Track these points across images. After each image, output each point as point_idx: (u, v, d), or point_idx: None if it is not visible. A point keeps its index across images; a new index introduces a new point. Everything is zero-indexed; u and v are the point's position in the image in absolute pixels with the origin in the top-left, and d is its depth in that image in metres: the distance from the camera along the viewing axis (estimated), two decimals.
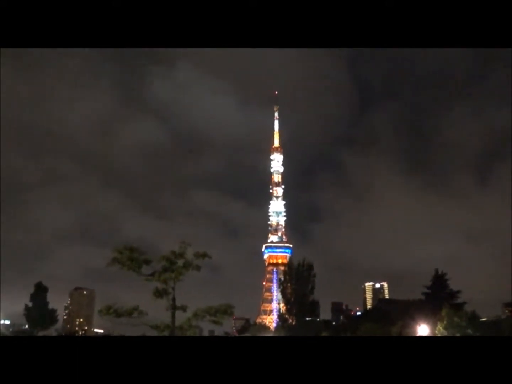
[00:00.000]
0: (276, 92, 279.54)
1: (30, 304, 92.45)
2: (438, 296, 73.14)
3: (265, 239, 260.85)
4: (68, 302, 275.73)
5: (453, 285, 78.83)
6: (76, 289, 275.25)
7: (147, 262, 24.76)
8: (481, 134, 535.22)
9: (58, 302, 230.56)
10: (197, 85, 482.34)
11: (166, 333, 24.42)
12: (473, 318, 56.18)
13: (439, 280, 78.79)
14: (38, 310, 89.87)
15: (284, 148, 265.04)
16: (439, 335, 52.80)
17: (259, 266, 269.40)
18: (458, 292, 77.34)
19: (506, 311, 61.46)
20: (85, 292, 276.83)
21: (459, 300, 75.04)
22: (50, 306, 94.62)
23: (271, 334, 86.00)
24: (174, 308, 24.49)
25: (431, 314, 58.39)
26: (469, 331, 52.32)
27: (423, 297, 78.95)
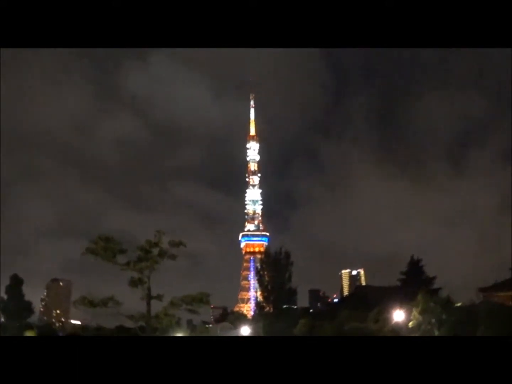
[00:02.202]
0: (251, 89, 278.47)
1: (5, 297, 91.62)
2: (414, 282, 73.79)
3: (242, 227, 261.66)
4: (45, 294, 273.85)
5: (429, 270, 79.66)
6: (52, 280, 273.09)
7: (122, 251, 24.69)
8: (453, 121, 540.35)
9: (36, 294, 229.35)
10: (172, 77, 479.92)
11: (142, 323, 24.40)
12: (448, 303, 56.71)
13: (415, 266, 79.50)
14: (14, 302, 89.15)
15: (260, 137, 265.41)
16: (414, 320, 53.28)
17: (237, 255, 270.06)
18: (434, 278, 78.13)
19: (481, 295, 62.25)
20: (61, 284, 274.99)
21: (435, 286, 75.83)
22: (27, 298, 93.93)
23: (248, 323, 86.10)
24: (149, 297, 24.47)
25: (407, 300, 58.82)
26: (444, 316, 52.80)
27: (399, 283, 79.63)
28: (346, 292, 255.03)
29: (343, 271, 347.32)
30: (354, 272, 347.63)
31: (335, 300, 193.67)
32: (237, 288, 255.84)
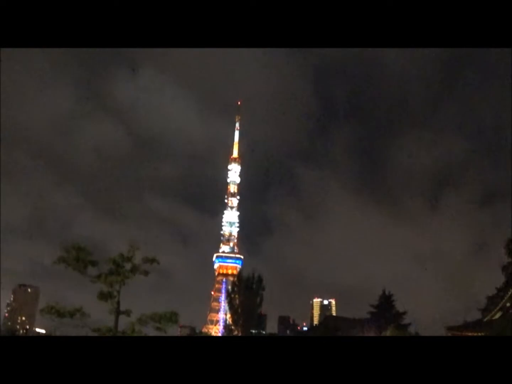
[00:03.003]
0: (239, 103, 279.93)
1: None
2: (384, 316, 73.88)
3: (216, 248, 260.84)
4: (11, 299, 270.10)
5: (399, 305, 79.81)
6: (20, 286, 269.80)
7: (94, 263, 24.39)
8: (433, 160, 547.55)
9: (2, 298, 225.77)
10: (160, 90, 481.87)
11: None
12: None
13: (386, 300, 79.60)
14: None
15: (242, 159, 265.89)
16: None
17: (209, 275, 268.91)
18: (404, 313, 78.23)
19: (449, 334, 62.42)
20: (29, 290, 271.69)
21: (405, 321, 75.92)
22: None
23: None
24: (118, 312, 24.16)
25: (376, 333, 58.87)
26: None
27: (369, 316, 79.63)
28: (316, 321, 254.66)
29: (314, 300, 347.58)
30: (325, 302, 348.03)
31: (305, 328, 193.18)
32: (207, 308, 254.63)
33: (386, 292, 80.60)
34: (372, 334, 57.60)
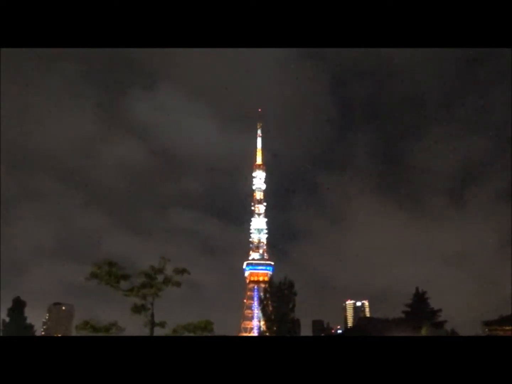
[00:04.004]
0: (260, 110, 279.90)
1: (7, 319, 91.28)
2: (419, 315, 73.25)
3: (245, 256, 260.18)
4: (47, 317, 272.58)
5: (432, 304, 79.10)
6: (55, 304, 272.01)
7: (126, 277, 24.51)
8: (456, 158, 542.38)
9: (37, 317, 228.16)
10: (179, 107, 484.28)
11: None
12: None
13: (420, 298, 78.96)
14: (16, 325, 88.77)
15: (266, 166, 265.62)
16: None
17: (240, 284, 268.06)
18: (439, 310, 77.54)
19: (486, 329, 61.69)
20: (63, 308, 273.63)
21: (440, 319, 75.19)
22: (28, 321, 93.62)
23: None
24: (152, 324, 24.25)
25: (411, 332, 58.32)
26: None
27: (403, 316, 79.00)
28: (350, 323, 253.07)
29: (347, 302, 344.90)
30: (358, 304, 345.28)
31: (339, 331, 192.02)
32: (240, 317, 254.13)
33: (420, 291, 79.98)
34: (408, 333, 57.05)
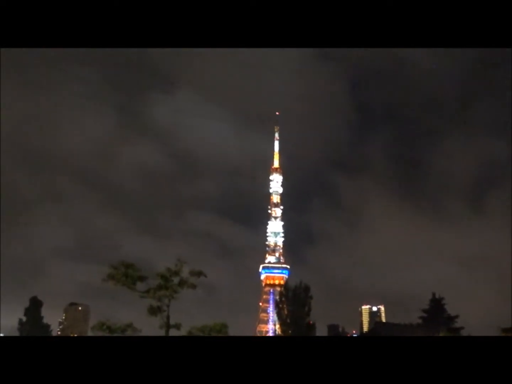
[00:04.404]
0: (278, 113, 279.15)
1: (24, 319, 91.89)
2: (436, 320, 72.75)
3: (261, 259, 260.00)
4: (63, 317, 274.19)
5: (449, 309, 78.52)
6: (71, 304, 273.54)
7: (142, 279, 24.57)
8: (474, 162, 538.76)
9: (53, 317, 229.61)
10: (196, 110, 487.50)
11: None
12: None
13: (437, 304, 78.39)
14: (32, 324, 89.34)
15: (283, 169, 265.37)
16: None
17: (256, 287, 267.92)
18: (456, 316, 76.92)
19: (503, 335, 61.18)
20: (80, 308, 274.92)
21: (456, 325, 74.63)
22: (45, 321, 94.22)
23: None
24: (168, 326, 24.27)
25: None
26: None
27: (420, 321, 78.48)
28: (365, 328, 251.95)
29: (363, 307, 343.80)
30: (374, 308, 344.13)
31: (354, 335, 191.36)
32: (256, 320, 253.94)
33: (437, 296, 79.43)
34: None
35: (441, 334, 56.40)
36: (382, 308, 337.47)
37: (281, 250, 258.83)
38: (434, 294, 79.49)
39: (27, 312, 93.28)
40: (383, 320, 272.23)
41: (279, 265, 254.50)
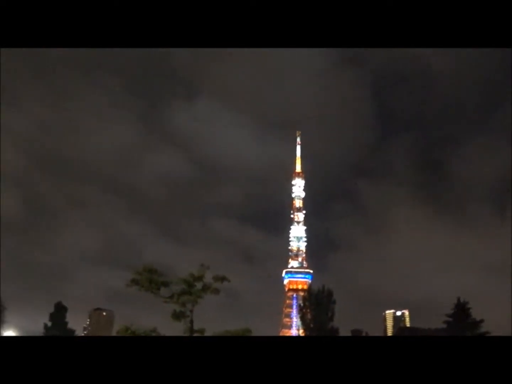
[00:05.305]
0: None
1: (49, 324, 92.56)
2: (460, 325, 72.03)
3: (284, 265, 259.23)
4: (88, 322, 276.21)
5: (473, 314, 77.64)
6: (95, 310, 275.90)
7: (166, 284, 24.72)
8: (498, 167, 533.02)
9: (78, 322, 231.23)
10: (218, 118, 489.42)
11: None
12: None
13: (461, 308, 77.62)
14: (57, 329, 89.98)
15: (305, 174, 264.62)
16: None
17: (279, 292, 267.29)
18: (481, 321, 76.04)
19: None
20: (104, 313, 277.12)
21: (482, 330, 73.82)
22: (69, 326, 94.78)
23: None
24: (191, 331, 24.39)
25: None
26: None
27: (444, 326, 77.76)
28: (389, 333, 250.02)
29: (387, 312, 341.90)
30: (398, 313, 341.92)
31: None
32: (279, 325, 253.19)
33: (461, 300, 78.67)
34: None
35: None
36: (406, 312, 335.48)
37: (304, 255, 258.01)
38: (458, 299, 78.67)
39: (52, 317, 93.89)
40: (407, 324, 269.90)
41: (302, 270, 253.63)
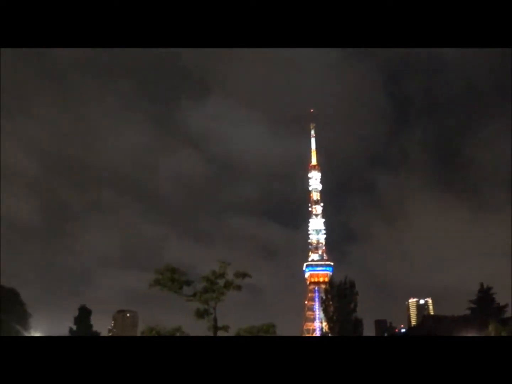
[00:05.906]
0: (312, 110, 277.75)
1: (74, 327, 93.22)
2: (485, 311, 71.65)
3: (304, 258, 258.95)
4: (112, 324, 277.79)
5: (497, 299, 77.20)
6: (119, 311, 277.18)
7: (188, 283, 24.81)
8: None
9: (102, 324, 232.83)
10: (231, 115, 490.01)
11: None
12: None
13: (485, 294, 77.20)
14: (82, 333, 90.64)
15: (321, 166, 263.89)
16: None
17: (300, 286, 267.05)
18: (505, 306, 75.62)
19: None
20: (128, 315, 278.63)
21: (506, 315, 73.39)
22: (94, 329, 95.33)
23: None
24: (215, 328, 24.46)
25: (478, 329, 57.12)
26: None
27: (468, 312, 77.40)
28: (413, 322, 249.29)
29: (410, 301, 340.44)
30: (421, 301, 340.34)
31: (402, 330, 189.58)
32: (302, 319, 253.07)
33: (485, 286, 78.22)
34: (474, 331, 55.80)
35: (491, 325, 55.49)
36: (429, 300, 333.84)
37: (323, 248, 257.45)
38: (482, 284, 78.30)
39: (76, 320, 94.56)
40: (431, 312, 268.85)
41: (323, 263, 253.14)
